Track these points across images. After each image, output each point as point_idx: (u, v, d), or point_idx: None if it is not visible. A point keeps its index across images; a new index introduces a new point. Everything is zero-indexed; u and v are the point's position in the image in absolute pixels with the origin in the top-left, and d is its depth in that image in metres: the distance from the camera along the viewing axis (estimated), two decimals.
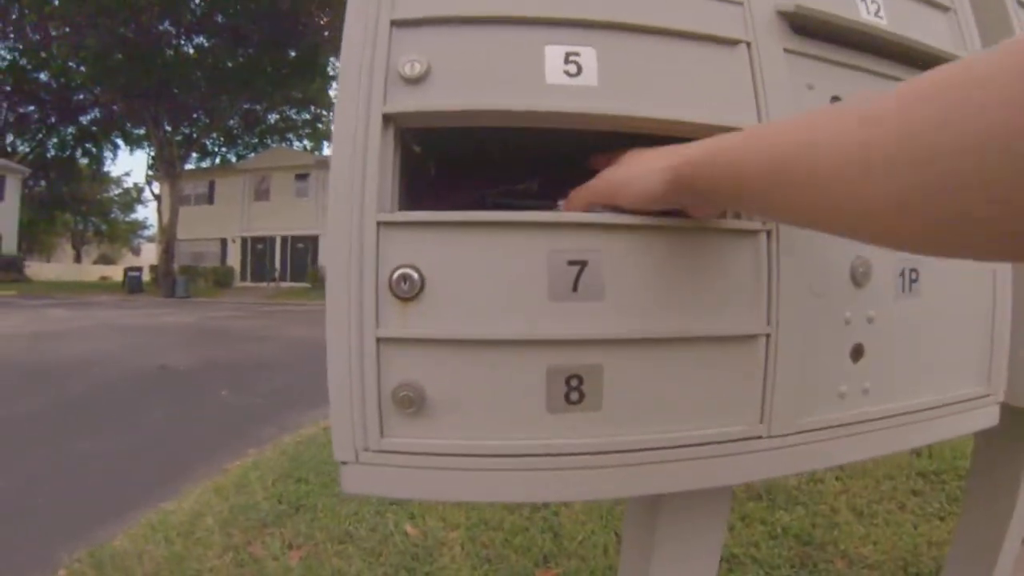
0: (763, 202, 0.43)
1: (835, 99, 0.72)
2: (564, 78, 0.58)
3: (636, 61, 0.61)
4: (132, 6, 16.74)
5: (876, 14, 0.82)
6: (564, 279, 0.56)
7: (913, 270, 0.74)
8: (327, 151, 28.15)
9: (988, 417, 0.85)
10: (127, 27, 17.18)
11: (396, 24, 0.59)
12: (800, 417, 0.66)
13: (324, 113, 27.71)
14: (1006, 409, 0.88)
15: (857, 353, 0.70)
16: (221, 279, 23.58)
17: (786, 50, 0.68)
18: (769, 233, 0.63)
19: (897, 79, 0.79)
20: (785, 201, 0.39)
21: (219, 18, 19.69)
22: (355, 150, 0.56)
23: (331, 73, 23.74)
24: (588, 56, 0.59)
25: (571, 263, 0.56)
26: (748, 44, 0.66)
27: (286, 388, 5.55)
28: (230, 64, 20.58)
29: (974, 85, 0.26)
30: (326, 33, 19.95)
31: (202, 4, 19.38)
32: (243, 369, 6.53)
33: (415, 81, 0.57)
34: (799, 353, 0.65)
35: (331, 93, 25.94)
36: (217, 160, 26.85)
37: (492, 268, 0.56)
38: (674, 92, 0.62)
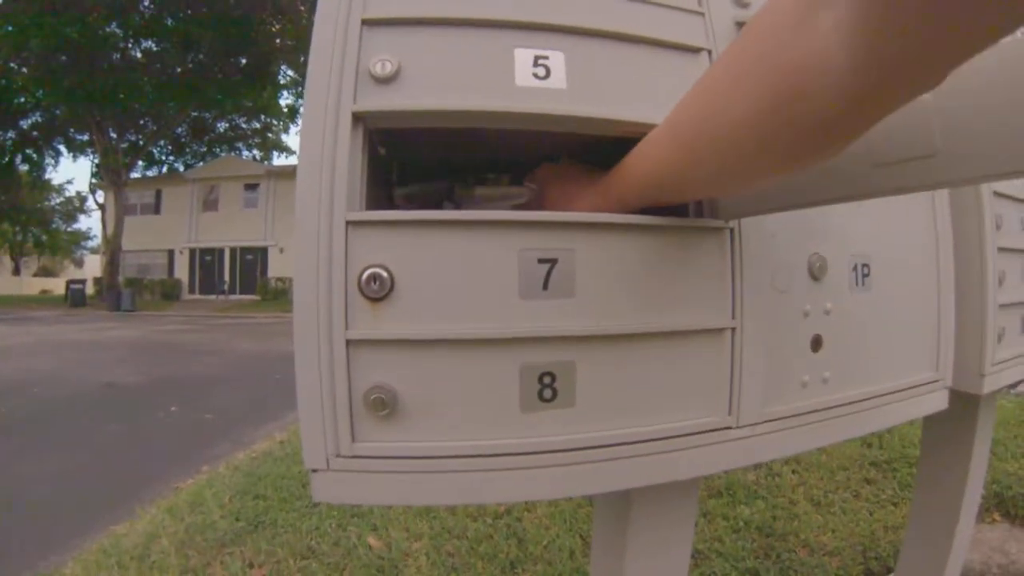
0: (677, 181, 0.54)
1: None
2: (533, 80, 0.59)
3: (603, 66, 0.63)
4: (79, 6, 16.08)
5: None
6: (535, 277, 0.57)
7: (865, 265, 0.79)
8: (277, 161, 27.62)
9: (937, 401, 0.90)
10: (73, 28, 16.46)
11: (367, 23, 0.58)
12: (766, 407, 0.69)
13: (274, 122, 27.16)
14: (953, 394, 0.93)
15: (816, 344, 0.74)
16: (169, 292, 22.79)
17: None
18: (732, 231, 0.66)
19: None
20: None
21: (169, 22, 19.10)
22: (324, 149, 0.55)
23: (282, 81, 23.34)
24: (557, 60, 0.61)
25: (541, 261, 0.57)
26: (709, 52, 0.68)
27: (237, 403, 5.40)
28: (179, 70, 19.96)
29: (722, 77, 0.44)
30: (278, 41, 19.62)
31: (151, 6, 18.77)
32: (193, 384, 6.31)
33: (385, 81, 0.57)
34: (763, 345, 0.68)
35: (282, 103, 25.54)
36: (164, 169, 25.96)
37: (463, 267, 0.56)
38: (639, 96, 0.63)
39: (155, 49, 20.09)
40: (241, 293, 22.79)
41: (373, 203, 0.62)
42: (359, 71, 0.57)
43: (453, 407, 0.57)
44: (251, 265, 23.06)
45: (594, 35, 0.63)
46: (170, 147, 25.58)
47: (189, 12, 18.51)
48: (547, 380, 0.58)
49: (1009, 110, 0.41)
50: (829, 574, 2.03)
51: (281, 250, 22.84)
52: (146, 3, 18.32)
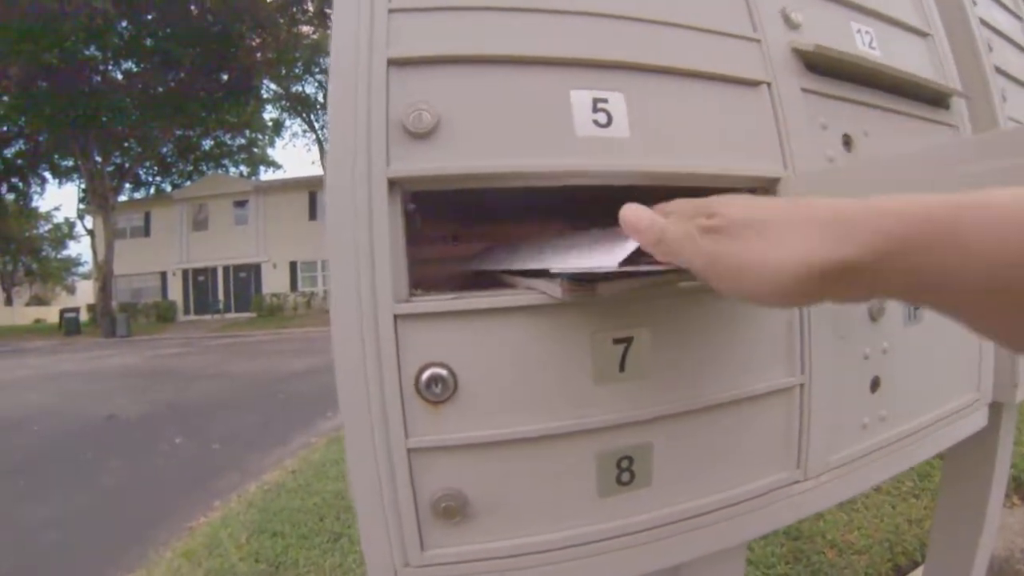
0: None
1: (846, 137, 0.72)
2: (595, 129, 0.53)
3: (664, 106, 0.57)
4: (57, 32, 15.91)
5: (870, 45, 0.83)
6: (610, 359, 0.51)
7: None
8: (264, 176, 27.46)
9: (979, 420, 0.91)
10: (51, 53, 16.29)
11: (395, 64, 0.51)
12: (830, 455, 0.67)
13: (259, 137, 26.95)
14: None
15: (875, 384, 0.72)
16: (163, 314, 22.60)
17: (803, 89, 0.67)
18: None
19: (894, 111, 0.84)
20: None
21: (148, 42, 18.94)
22: (357, 226, 0.48)
23: (265, 96, 23.16)
24: (616, 102, 0.54)
25: (617, 342, 0.51)
26: (768, 84, 0.63)
27: (243, 430, 5.31)
28: (161, 89, 19.79)
29: None
30: (259, 55, 19.46)
31: (129, 27, 18.61)
32: (196, 412, 6.21)
33: (423, 136, 0.50)
34: (829, 396, 0.65)
35: (265, 116, 25.35)
36: (152, 190, 25.74)
37: (531, 357, 0.50)
38: (703, 138, 0.58)
39: (136, 69, 19.93)
40: (236, 311, 22.61)
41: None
42: (389, 124, 0.49)
43: (529, 503, 0.52)
44: (245, 282, 22.88)
45: (653, 71, 0.57)
46: (156, 168, 25.33)
47: (168, 30, 18.37)
48: (624, 464, 0.54)
49: None
50: (859, 573, 1.99)
51: (274, 266, 22.68)
52: (124, 24, 18.14)
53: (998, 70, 1.44)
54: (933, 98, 0.97)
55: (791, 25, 0.71)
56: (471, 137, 0.51)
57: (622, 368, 0.52)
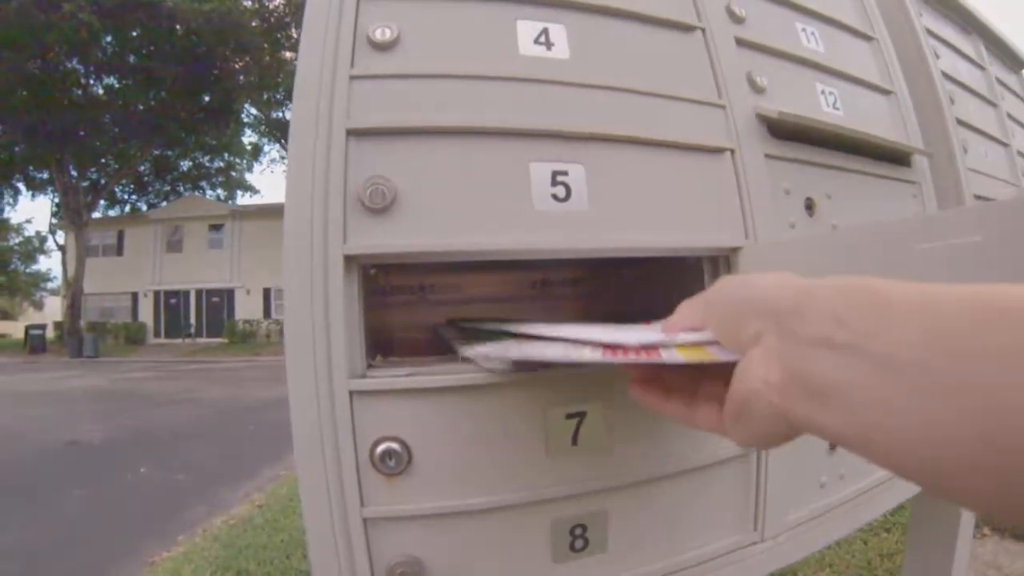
0: None
1: (808, 200, 0.73)
2: (553, 204, 0.54)
3: (625, 177, 0.58)
4: (40, 41, 15.78)
5: (833, 105, 0.85)
6: (563, 433, 0.52)
7: None
8: (241, 200, 27.25)
9: None
10: (33, 63, 16.13)
11: (353, 134, 0.52)
12: (788, 515, 0.68)
13: (238, 161, 26.81)
14: None
15: (834, 444, 0.72)
16: (133, 336, 22.10)
17: (767, 155, 0.69)
18: None
19: (856, 171, 0.87)
20: None
21: (131, 58, 18.87)
22: (314, 300, 0.49)
23: (245, 120, 23.12)
24: (576, 175, 0.55)
25: (570, 416, 0.52)
26: (732, 151, 0.64)
27: (211, 460, 5.17)
28: (141, 107, 19.68)
29: None
30: (241, 78, 19.47)
31: (113, 43, 18.53)
32: (162, 440, 6.04)
33: (380, 211, 0.50)
34: (786, 459, 0.66)
35: (244, 140, 25.26)
36: (127, 208, 25.42)
37: (485, 432, 0.50)
38: (664, 208, 0.59)
39: (117, 85, 19.81)
40: (208, 336, 22.21)
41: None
42: (347, 199, 0.50)
43: (485, 570, 0.52)
44: (217, 307, 22.51)
45: (614, 141, 0.58)
46: (132, 186, 25.07)
47: (152, 48, 18.34)
48: (579, 531, 0.54)
49: None
50: None
51: (248, 292, 22.38)
52: (108, 39, 18.07)
53: (960, 122, 1.49)
54: (895, 156, 1.00)
55: (756, 89, 0.72)
56: (430, 212, 0.52)
57: (575, 442, 0.52)
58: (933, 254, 0.44)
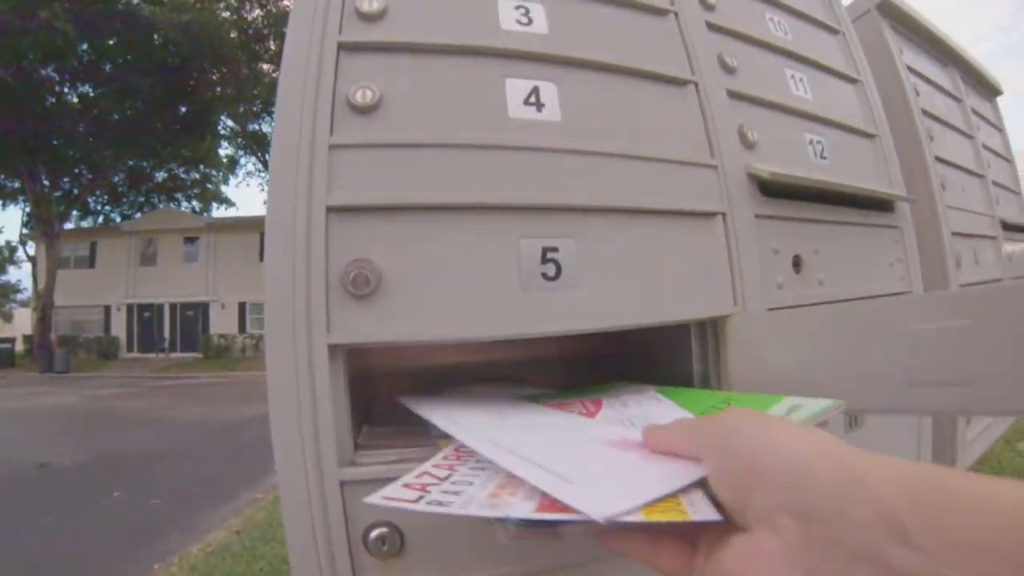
0: None
1: (796, 258, 0.74)
2: (543, 282, 0.53)
3: (615, 250, 0.58)
4: (14, 48, 15.51)
5: (821, 155, 0.87)
6: None
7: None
8: (216, 212, 26.91)
9: None
10: (7, 69, 15.83)
11: (334, 211, 0.50)
12: None
13: (214, 173, 26.51)
14: None
15: None
16: (105, 350, 21.62)
17: (757, 216, 0.69)
18: None
19: (842, 222, 0.88)
20: None
21: (107, 67, 18.62)
22: (300, 389, 0.48)
23: (222, 132, 22.88)
24: (567, 248, 0.55)
25: None
26: (724, 215, 0.65)
27: (186, 483, 5.06)
28: (116, 117, 19.42)
29: None
30: (218, 90, 19.30)
31: (89, 51, 18.28)
32: (137, 462, 5.90)
33: (364, 297, 0.49)
34: None
35: (221, 152, 24.97)
36: (100, 220, 24.97)
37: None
38: (655, 280, 0.59)
39: (92, 94, 19.53)
40: (182, 351, 21.81)
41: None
42: (329, 283, 0.49)
43: None
44: (192, 321, 22.12)
45: (605, 212, 0.58)
46: (106, 197, 24.63)
47: (128, 58, 18.12)
48: None
49: None
50: None
51: (223, 306, 22.07)
52: (84, 47, 17.82)
53: (938, 159, 1.53)
54: (879, 204, 1.02)
55: (747, 144, 0.73)
56: (416, 296, 0.51)
57: None
58: (922, 333, 0.45)
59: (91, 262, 23.63)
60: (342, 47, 0.55)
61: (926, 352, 0.44)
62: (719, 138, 0.68)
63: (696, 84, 0.69)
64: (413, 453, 0.50)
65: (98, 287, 22.78)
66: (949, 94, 1.85)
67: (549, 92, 0.58)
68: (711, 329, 0.62)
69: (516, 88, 0.57)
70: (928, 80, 1.69)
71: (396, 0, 0.58)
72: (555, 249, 0.54)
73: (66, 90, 19.30)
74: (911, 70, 1.58)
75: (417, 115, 0.54)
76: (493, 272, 0.52)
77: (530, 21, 0.60)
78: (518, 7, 0.61)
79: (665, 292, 0.58)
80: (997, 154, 2.09)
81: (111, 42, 17.67)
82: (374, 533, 0.47)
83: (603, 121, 0.60)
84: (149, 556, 3.42)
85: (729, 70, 0.76)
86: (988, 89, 2.25)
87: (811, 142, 0.89)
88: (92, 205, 24.52)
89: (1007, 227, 1.87)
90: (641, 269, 0.58)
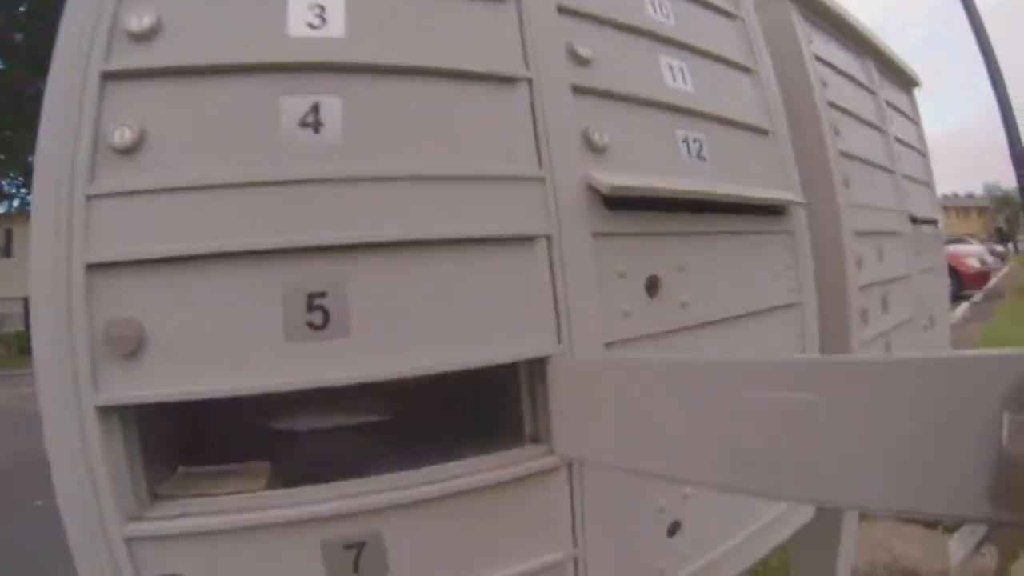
0: None
1: (651, 280, 0.69)
2: (307, 331, 0.50)
3: (406, 293, 0.54)
4: None
5: (698, 155, 0.81)
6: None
7: None
8: None
9: (805, 513, 0.90)
10: None
11: (94, 268, 0.48)
12: None
13: None
14: None
15: (674, 529, 0.71)
16: (27, 346, 20.62)
17: (595, 234, 0.64)
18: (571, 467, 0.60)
19: (720, 231, 0.82)
20: None
21: (18, 37, 17.43)
22: (72, 453, 0.48)
23: None
24: (336, 294, 0.52)
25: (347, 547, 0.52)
26: (548, 238, 0.59)
27: None
28: (30, 91, 18.28)
29: None
30: None
31: None
32: None
33: (128, 356, 0.48)
34: (610, 562, 0.64)
35: None
36: (16, 204, 23.56)
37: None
38: (459, 318, 0.55)
39: (3, 68, 18.28)
40: None
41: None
42: (94, 345, 0.48)
43: None
44: None
45: (387, 247, 0.54)
46: (22, 179, 23.28)
47: (40, 26, 17.00)
48: None
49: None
50: None
51: None
52: None
53: (843, 154, 1.50)
54: (767, 208, 0.97)
55: (594, 148, 0.66)
56: (182, 353, 0.49)
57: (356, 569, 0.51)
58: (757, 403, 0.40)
59: (7, 252, 22.38)
60: (106, 76, 0.51)
61: (760, 427, 0.40)
62: (554, 144, 0.62)
63: (530, 81, 0.63)
64: (219, 504, 0.51)
65: (16, 278, 21.59)
66: (862, 85, 1.85)
67: (332, 109, 0.53)
68: (538, 376, 0.57)
69: (291, 107, 0.51)
70: (838, 70, 1.67)
71: (171, 11, 0.53)
72: (322, 294, 0.50)
73: None
74: (820, 60, 1.55)
75: (179, 153, 0.51)
76: (257, 323, 0.50)
77: (324, 22, 0.54)
78: (313, 6, 0.53)
79: (468, 333, 0.54)
80: (911, 147, 2.11)
81: (21, 9, 16.52)
82: None
83: (399, 139, 0.55)
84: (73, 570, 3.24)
85: (581, 61, 0.69)
86: (905, 80, 2.27)
87: (685, 141, 0.82)
88: (6, 188, 23.12)
89: (916, 221, 1.89)
90: (435, 309, 0.55)
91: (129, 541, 0.48)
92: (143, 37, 0.51)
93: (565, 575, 0.61)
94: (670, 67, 0.83)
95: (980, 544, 2.02)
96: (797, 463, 0.39)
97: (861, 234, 1.45)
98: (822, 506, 0.39)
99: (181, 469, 0.59)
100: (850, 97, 1.69)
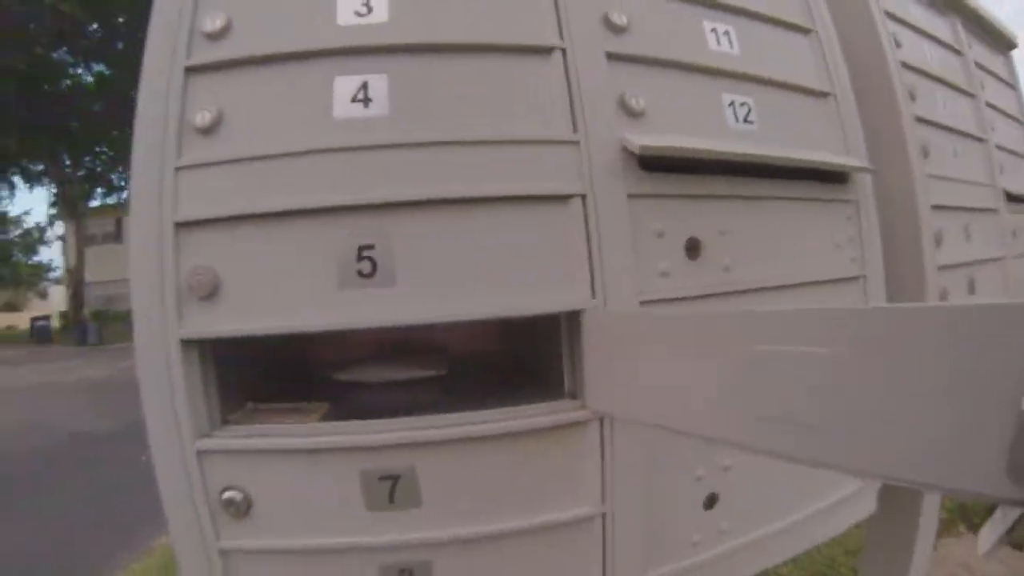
0: None
1: (692, 242, 0.69)
2: (357, 279, 0.58)
3: (446, 239, 0.60)
4: (23, 36, 15.82)
5: (745, 119, 0.79)
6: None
7: None
8: None
9: (868, 505, 0.90)
10: (19, 58, 16.19)
11: (182, 227, 0.58)
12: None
13: None
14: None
15: (711, 502, 0.70)
16: None
17: (631, 195, 0.65)
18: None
19: (769, 197, 0.79)
20: None
21: (119, 45, 18.82)
22: (159, 376, 0.57)
23: None
24: (383, 246, 0.58)
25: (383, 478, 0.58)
26: (583, 197, 0.62)
27: None
28: (134, 94, 19.67)
29: None
30: None
31: (99, 30, 18.48)
32: None
33: (206, 298, 0.57)
34: (640, 525, 0.65)
35: None
36: (124, 196, 25.58)
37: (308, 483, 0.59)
38: (498, 271, 0.60)
39: (106, 73, 19.78)
40: None
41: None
42: (180, 288, 0.57)
43: None
44: None
45: (427, 205, 0.60)
46: (128, 173, 25.11)
47: (138, 35, 18.25)
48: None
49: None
50: None
51: None
52: (94, 27, 18.01)
53: (920, 120, 1.39)
54: (826, 174, 0.92)
55: (631, 113, 0.67)
56: (249, 297, 0.58)
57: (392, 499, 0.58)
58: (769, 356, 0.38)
59: (117, 237, 24.32)
60: (189, 70, 0.61)
61: (771, 381, 0.37)
62: (588, 109, 0.64)
63: (564, 50, 0.65)
64: (263, 428, 0.61)
65: (127, 262, 23.46)
66: (946, 45, 1.71)
67: (379, 85, 0.60)
68: (575, 333, 0.61)
69: (343, 86, 0.60)
70: (915, 28, 1.55)
71: (239, 13, 0.62)
72: (371, 247, 0.56)
73: (80, 70, 19.63)
74: (892, 17, 1.43)
75: (251, 129, 0.60)
76: (313, 272, 0.58)
77: (369, 10, 0.62)
78: None
79: (504, 285, 0.58)
80: (1007, 115, 1.91)
81: (120, 20, 17.80)
82: (226, 495, 0.57)
83: (439, 109, 0.61)
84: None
85: (616, 29, 0.69)
86: (1000, 41, 2.07)
87: (731, 104, 0.79)
88: (116, 181, 25.12)
89: (1012, 199, 1.71)
90: (473, 261, 0.60)
91: (200, 454, 0.58)
92: (217, 36, 0.61)
93: (593, 531, 0.63)
94: (714, 31, 0.82)
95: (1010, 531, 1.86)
96: (819, 424, 0.34)
97: (942, 208, 1.33)
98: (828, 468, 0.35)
99: (250, 404, 0.69)
100: (930, 58, 1.57)
